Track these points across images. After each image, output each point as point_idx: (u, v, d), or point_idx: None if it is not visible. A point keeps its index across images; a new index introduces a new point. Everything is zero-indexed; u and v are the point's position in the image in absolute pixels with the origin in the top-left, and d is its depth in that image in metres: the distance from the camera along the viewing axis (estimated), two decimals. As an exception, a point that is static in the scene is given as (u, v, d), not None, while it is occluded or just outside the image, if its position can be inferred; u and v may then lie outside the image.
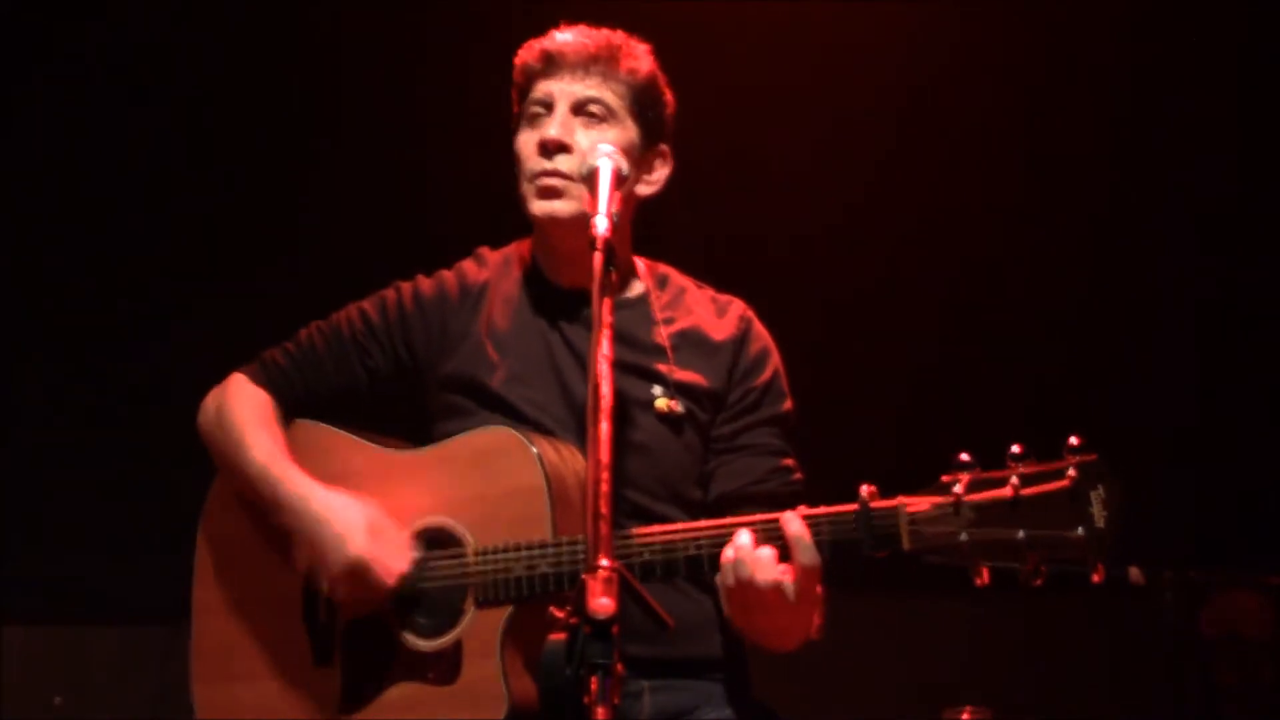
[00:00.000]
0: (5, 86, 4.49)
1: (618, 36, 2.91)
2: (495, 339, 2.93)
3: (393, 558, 2.73)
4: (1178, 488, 4.38)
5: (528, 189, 2.85)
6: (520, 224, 3.07)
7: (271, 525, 2.86)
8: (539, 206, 2.84)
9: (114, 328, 4.55)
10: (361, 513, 2.76)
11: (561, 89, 2.85)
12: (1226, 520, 4.61)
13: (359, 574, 2.73)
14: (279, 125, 4.57)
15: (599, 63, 2.86)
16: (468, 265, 3.05)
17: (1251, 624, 4.42)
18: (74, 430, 4.55)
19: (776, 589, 2.46)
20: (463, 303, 2.97)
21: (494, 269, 3.02)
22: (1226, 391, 4.70)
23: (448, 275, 3.03)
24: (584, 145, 2.80)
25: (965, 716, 4.06)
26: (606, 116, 2.85)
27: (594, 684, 1.98)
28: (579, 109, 2.84)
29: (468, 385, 2.90)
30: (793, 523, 2.48)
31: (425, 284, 3.01)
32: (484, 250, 3.08)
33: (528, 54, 2.90)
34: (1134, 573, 3.96)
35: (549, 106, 2.85)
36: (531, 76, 2.88)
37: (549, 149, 2.83)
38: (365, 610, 2.79)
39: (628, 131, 2.86)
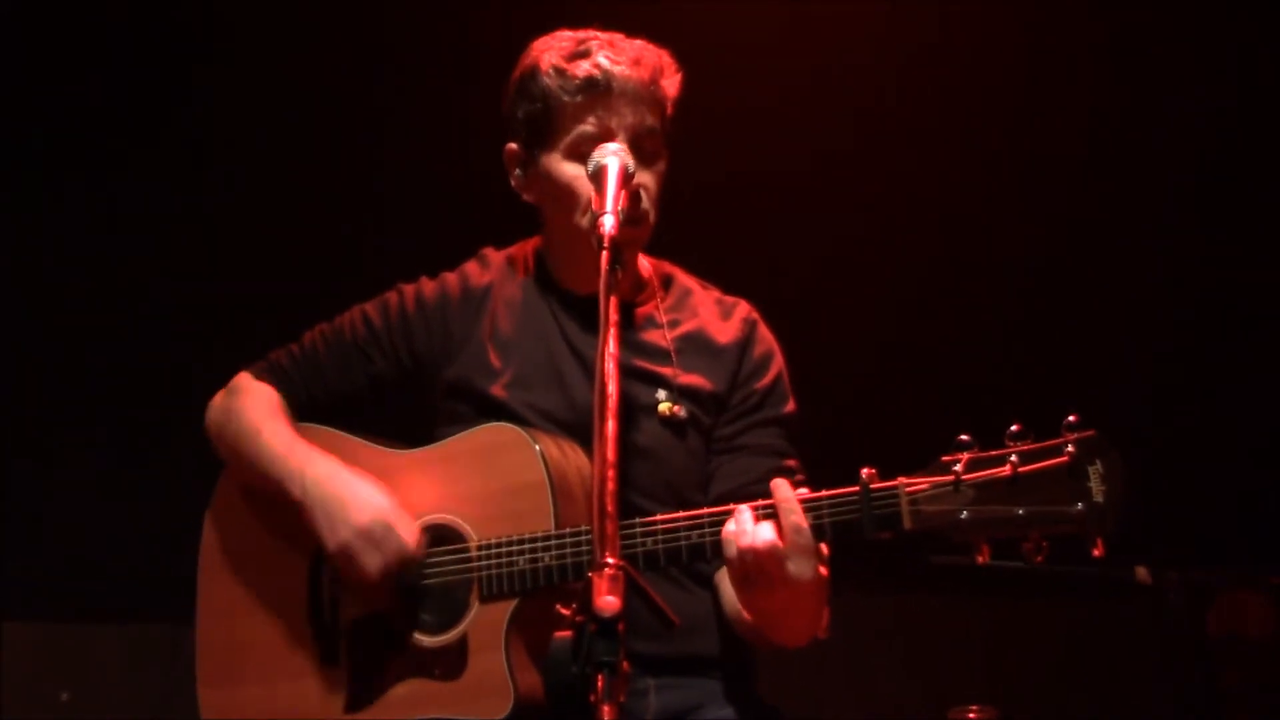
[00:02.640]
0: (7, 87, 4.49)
1: (653, 54, 2.86)
2: (498, 343, 2.92)
3: (410, 529, 2.74)
4: (1180, 488, 4.36)
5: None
6: (518, 225, 3.07)
7: (282, 516, 2.85)
8: (625, 235, 2.62)
9: (114, 328, 4.54)
10: (384, 492, 2.77)
11: (619, 122, 2.78)
12: (1230, 520, 4.60)
13: (381, 530, 2.72)
14: (279, 124, 4.56)
15: (649, 89, 2.81)
16: (471, 267, 3.04)
17: (1255, 624, 4.41)
18: (74, 430, 4.53)
19: (772, 554, 2.48)
20: (465, 305, 2.97)
21: (498, 271, 3.02)
22: (1227, 391, 4.69)
23: (450, 277, 3.02)
24: (647, 181, 2.80)
25: (971, 716, 4.04)
26: (656, 150, 2.84)
27: (600, 682, 1.97)
28: (635, 143, 2.78)
29: (468, 392, 2.90)
30: (781, 488, 2.53)
31: (427, 286, 3.01)
32: (488, 251, 3.07)
33: (561, 78, 2.80)
34: (1140, 573, 3.95)
35: (604, 139, 2.75)
36: (576, 103, 2.79)
37: (638, 199, 2.78)
38: (370, 605, 2.79)
39: (664, 152, 2.87)
